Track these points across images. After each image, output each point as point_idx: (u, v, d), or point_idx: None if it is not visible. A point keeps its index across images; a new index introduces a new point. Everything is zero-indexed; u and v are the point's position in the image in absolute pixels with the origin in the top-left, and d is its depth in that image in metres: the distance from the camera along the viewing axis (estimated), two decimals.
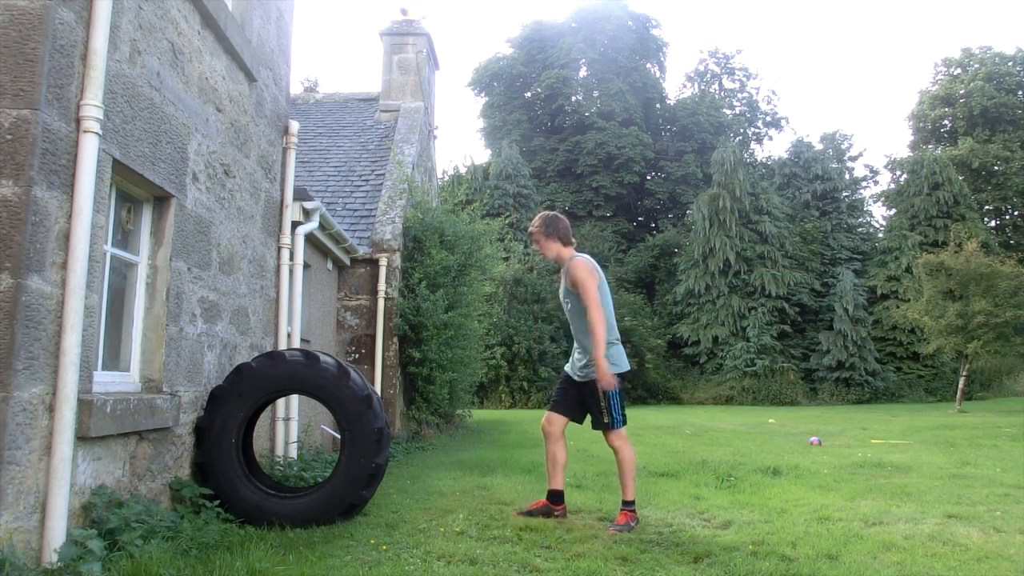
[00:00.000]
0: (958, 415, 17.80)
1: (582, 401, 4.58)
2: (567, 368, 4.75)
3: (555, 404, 4.67)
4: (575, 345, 4.65)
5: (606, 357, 4.27)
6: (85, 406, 3.05)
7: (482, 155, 46.60)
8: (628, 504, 4.36)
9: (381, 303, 9.23)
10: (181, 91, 4.02)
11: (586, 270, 4.43)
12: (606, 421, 4.39)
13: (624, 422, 4.45)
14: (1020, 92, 39.38)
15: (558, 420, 4.61)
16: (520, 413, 19.94)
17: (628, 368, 4.54)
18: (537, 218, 4.79)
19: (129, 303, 3.88)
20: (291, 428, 5.91)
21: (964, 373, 21.37)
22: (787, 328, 29.78)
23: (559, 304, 4.87)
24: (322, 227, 7.17)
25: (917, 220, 31.71)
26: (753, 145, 42.00)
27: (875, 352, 28.88)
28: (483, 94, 39.08)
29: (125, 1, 3.39)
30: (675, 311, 31.45)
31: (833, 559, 3.57)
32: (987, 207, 38.61)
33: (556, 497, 4.55)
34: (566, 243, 4.65)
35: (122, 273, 3.83)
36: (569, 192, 35.94)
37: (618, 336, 4.55)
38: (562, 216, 4.78)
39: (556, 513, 4.47)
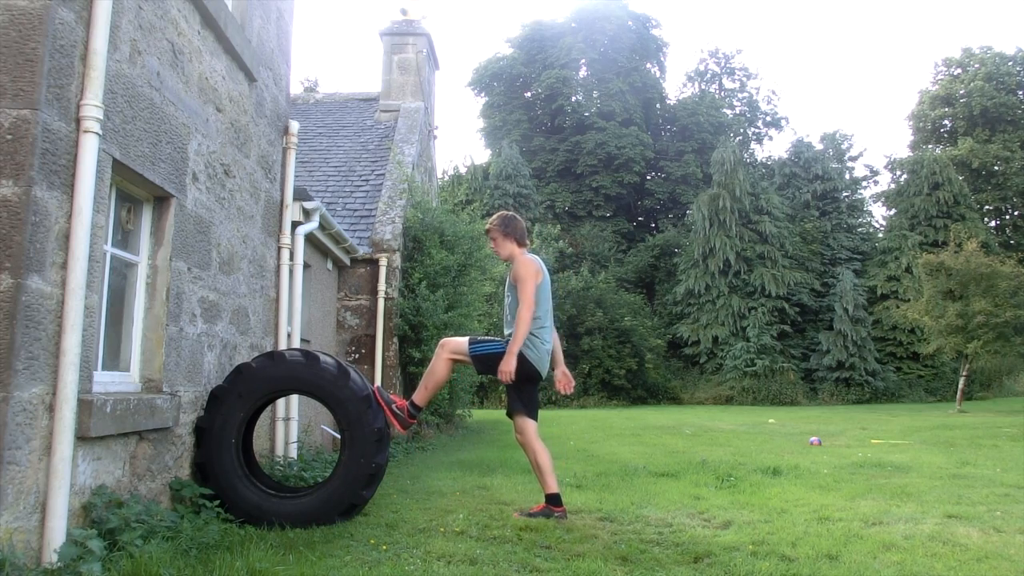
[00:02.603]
0: (958, 415, 17.79)
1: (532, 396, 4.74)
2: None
3: (519, 410, 4.71)
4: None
5: (531, 352, 4.52)
6: (85, 406, 3.05)
7: (482, 155, 46.63)
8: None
9: (381, 303, 9.23)
10: (181, 91, 4.02)
11: (529, 268, 4.59)
12: (477, 337, 4.67)
13: (475, 352, 4.58)
14: (1020, 92, 39.36)
15: (528, 425, 4.64)
16: None
17: (543, 374, 4.68)
18: (496, 216, 4.91)
19: (129, 303, 3.88)
20: (291, 428, 5.91)
21: (964, 373, 21.36)
22: (787, 328, 29.77)
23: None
24: (322, 227, 7.17)
25: (917, 220, 31.70)
26: (753, 145, 42.00)
27: (875, 352, 28.86)
28: (483, 94, 39.07)
29: (125, 1, 3.39)
30: (675, 311, 31.44)
31: (833, 559, 3.57)
32: (987, 207, 38.60)
33: (554, 500, 4.56)
34: (521, 244, 4.81)
35: (122, 273, 3.83)
36: (569, 192, 35.93)
37: (549, 342, 4.70)
38: (520, 218, 4.92)
39: (556, 514, 4.47)
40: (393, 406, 4.51)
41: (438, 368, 4.62)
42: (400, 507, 4.72)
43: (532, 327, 4.57)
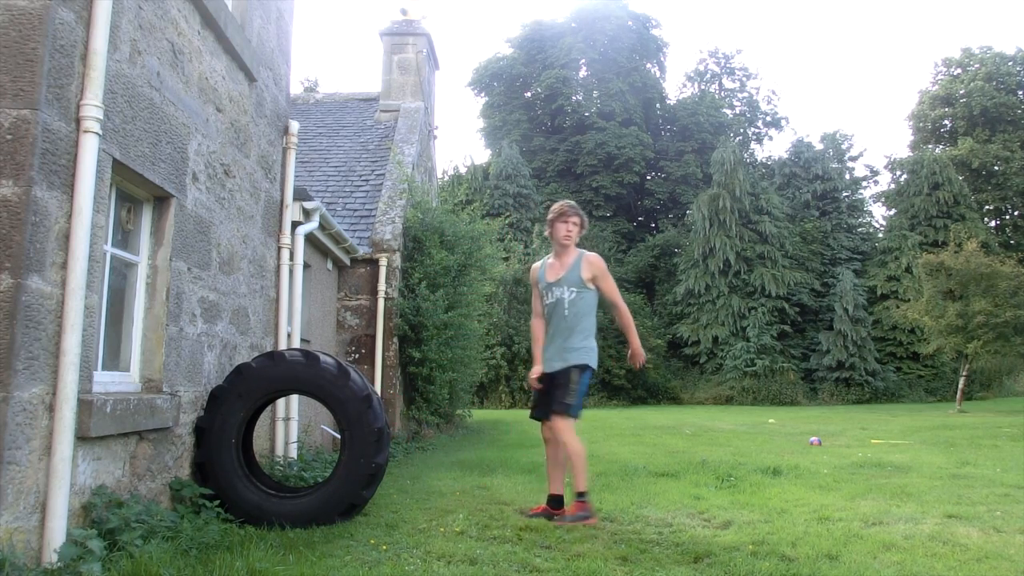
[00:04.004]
0: (958, 415, 17.79)
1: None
2: (541, 368, 4.70)
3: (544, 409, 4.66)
4: (555, 339, 4.69)
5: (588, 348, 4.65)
6: (85, 406, 3.05)
7: (482, 155, 46.64)
8: (580, 495, 4.44)
9: (381, 303, 9.23)
10: (181, 91, 4.02)
11: (606, 267, 4.74)
12: (568, 402, 4.50)
13: (577, 415, 4.56)
14: (1020, 92, 39.37)
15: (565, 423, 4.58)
16: (520, 413, 19.92)
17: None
18: (575, 205, 4.81)
19: (129, 303, 3.88)
20: (291, 428, 5.91)
21: (964, 373, 21.36)
22: (787, 328, 29.79)
23: None
24: (322, 227, 7.17)
25: (917, 220, 31.71)
26: (753, 145, 42.03)
27: (875, 352, 28.87)
28: (483, 94, 39.09)
29: (125, 1, 3.39)
30: (675, 311, 31.45)
31: (833, 559, 3.57)
32: (987, 207, 38.60)
33: (556, 502, 4.55)
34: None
35: (122, 273, 3.83)
36: (569, 192, 35.86)
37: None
38: None
39: (556, 516, 4.46)
40: (580, 518, 4.32)
41: (572, 444, 4.44)
42: (400, 507, 4.72)
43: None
